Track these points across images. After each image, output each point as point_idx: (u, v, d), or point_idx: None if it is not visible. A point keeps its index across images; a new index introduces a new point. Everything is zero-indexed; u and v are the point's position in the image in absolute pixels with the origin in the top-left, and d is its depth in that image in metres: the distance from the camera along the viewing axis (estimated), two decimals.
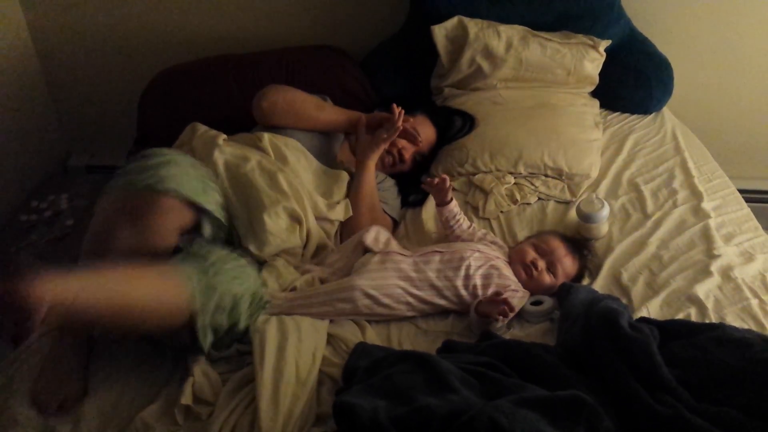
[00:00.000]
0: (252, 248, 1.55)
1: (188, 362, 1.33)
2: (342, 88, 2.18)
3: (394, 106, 1.80)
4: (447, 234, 1.70)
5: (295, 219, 1.61)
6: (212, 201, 1.49)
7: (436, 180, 1.69)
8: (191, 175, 1.48)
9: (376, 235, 1.59)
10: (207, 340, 1.31)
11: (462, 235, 1.67)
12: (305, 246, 1.65)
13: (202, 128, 1.76)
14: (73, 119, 2.77)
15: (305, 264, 1.60)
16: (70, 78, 2.68)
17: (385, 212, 1.82)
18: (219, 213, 1.51)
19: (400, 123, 1.77)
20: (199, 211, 1.47)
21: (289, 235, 1.58)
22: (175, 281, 1.28)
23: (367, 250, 1.56)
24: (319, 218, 1.69)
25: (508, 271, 1.52)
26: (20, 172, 2.53)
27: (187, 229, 1.46)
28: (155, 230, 1.38)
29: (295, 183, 1.65)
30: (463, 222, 1.69)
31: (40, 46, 2.61)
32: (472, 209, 1.86)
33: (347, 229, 1.73)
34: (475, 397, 1.13)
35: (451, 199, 1.70)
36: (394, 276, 1.46)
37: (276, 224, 1.56)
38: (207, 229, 1.49)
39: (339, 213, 1.71)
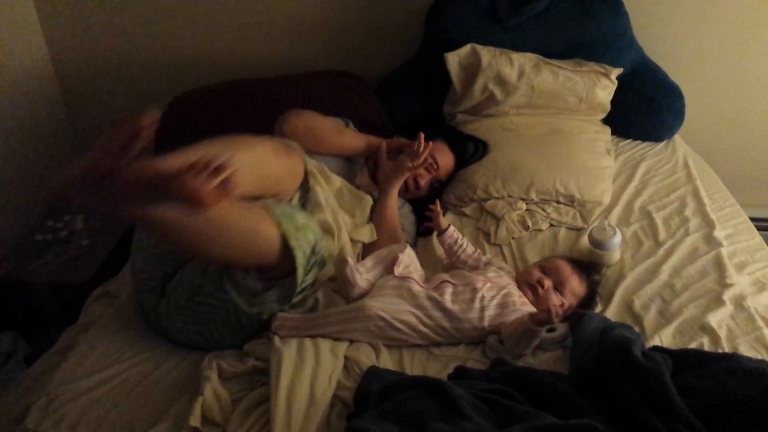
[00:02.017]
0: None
1: (199, 380, 1.34)
2: (357, 113, 2.21)
3: (421, 136, 1.81)
4: (453, 261, 1.71)
5: (328, 231, 1.63)
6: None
7: (432, 211, 1.74)
8: None
9: (408, 261, 1.59)
10: (302, 262, 1.36)
11: (468, 261, 1.69)
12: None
13: None
14: (90, 141, 2.78)
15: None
16: (89, 100, 2.72)
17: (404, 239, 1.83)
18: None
19: (425, 155, 1.79)
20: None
21: (323, 241, 1.60)
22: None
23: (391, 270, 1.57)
24: None
25: (521, 297, 1.52)
26: (37, 192, 2.56)
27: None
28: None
29: (330, 199, 1.69)
30: (467, 247, 1.71)
31: (60, 69, 2.65)
32: (484, 235, 1.87)
33: (367, 253, 1.74)
34: (487, 425, 1.13)
35: (449, 226, 1.72)
36: (407, 304, 1.47)
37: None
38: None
39: (365, 235, 1.73)
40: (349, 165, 1.94)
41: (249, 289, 1.42)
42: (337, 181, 1.81)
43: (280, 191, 1.53)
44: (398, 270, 1.55)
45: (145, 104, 2.55)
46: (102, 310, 1.65)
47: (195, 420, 1.23)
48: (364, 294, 1.52)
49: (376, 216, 1.79)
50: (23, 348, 2.11)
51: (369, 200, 1.81)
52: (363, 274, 1.54)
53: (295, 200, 1.60)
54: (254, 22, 2.49)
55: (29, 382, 1.44)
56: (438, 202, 1.78)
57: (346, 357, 1.41)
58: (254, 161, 1.41)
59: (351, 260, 1.54)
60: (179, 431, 1.23)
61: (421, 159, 1.79)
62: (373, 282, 1.54)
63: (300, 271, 1.37)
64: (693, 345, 1.44)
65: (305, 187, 1.63)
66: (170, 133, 2.24)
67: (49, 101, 2.65)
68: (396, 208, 1.82)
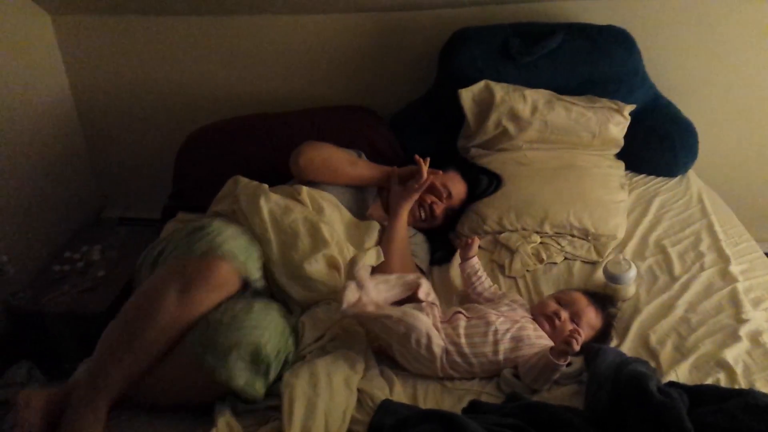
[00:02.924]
0: (293, 293, 1.60)
1: (213, 413, 1.35)
2: (371, 147, 2.24)
3: (417, 157, 1.85)
4: (469, 292, 1.72)
5: (334, 266, 1.65)
6: (255, 269, 1.58)
7: (469, 240, 1.75)
8: (240, 244, 1.56)
9: (428, 290, 1.60)
10: (255, 390, 1.37)
11: (484, 293, 1.69)
12: None
13: (244, 180, 1.85)
14: (108, 172, 2.85)
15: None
16: (107, 133, 2.77)
17: (416, 265, 1.84)
18: (260, 283, 1.58)
19: (425, 172, 1.82)
20: (245, 282, 1.54)
21: (328, 280, 1.63)
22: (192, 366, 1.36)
23: (414, 299, 1.56)
24: None
25: (536, 331, 1.52)
26: (55, 223, 2.60)
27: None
28: (200, 304, 1.43)
29: (335, 233, 1.72)
30: (485, 279, 1.71)
31: (80, 101, 2.71)
32: (498, 267, 1.88)
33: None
34: None
35: (473, 255, 1.73)
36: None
37: (315, 269, 1.62)
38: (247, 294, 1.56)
39: (371, 258, 1.73)
40: (361, 196, 1.97)
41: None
42: (346, 214, 1.84)
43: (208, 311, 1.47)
44: (422, 296, 1.55)
45: (162, 138, 2.63)
46: None
47: None
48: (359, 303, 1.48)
49: (385, 238, 1.80)
50: (38, 378, 2.12)
51: (376, 225, 1.83)
52: (377, 283, 1.51)
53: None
54: (271, 58, 2.54)
55: None
56: (476, 238, 1.79)
57: (359, 390, 1.40)
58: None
59: (361, 275, 1.49)
60: None
61: (423, 178, 1.81)
62: (386, 298, 1.52)
63: (248, 390, 1.37)
64: (709, 381, 1.43)
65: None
66: (187, 166, 2.29)
67: (69, 135, 2.71)
68: (405, 231, 1.83)
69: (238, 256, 1.52)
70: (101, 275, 2.33)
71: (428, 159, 1.86)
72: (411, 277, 1.59)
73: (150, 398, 1.40)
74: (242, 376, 1.34)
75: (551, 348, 1.41)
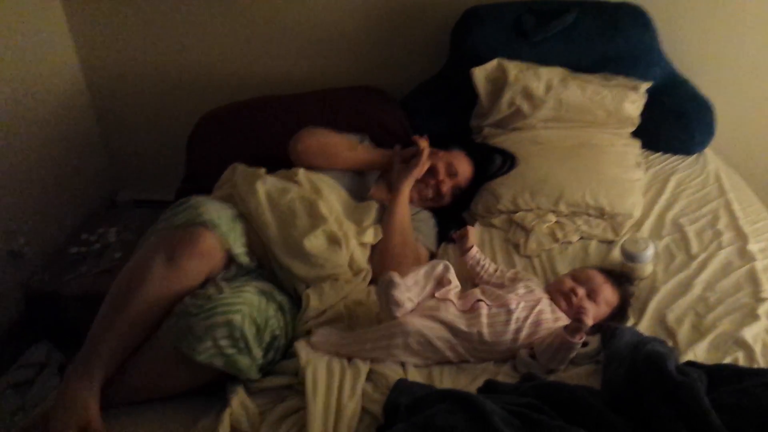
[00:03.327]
0: (296, 270, 1.60)
1: (227, 392, 1.36)
2: (382, 128, 2.23)
3: (415, 137, 1.90)
4: (476, 281, 1.70)
5: (335, 241, 1.65)
6: (239, 243, 1.59)
7: (461, 232, 1.73)
8: (222, 216, 1.58)
9: (454, 283, 1.57)
10: (245, 371, 1.37)
11: (490, 280, 1.68)
12: (352, 270, 1.69)
13: (242, 166, 1.87)
14: (122, 155, 2.86)
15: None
16: (120, 116, 2.78)
17: (420, 242, 1.84)
18: (244, 259, 1.59)
19: (422, 144, 1.87)
20: (229, 256, 1.55)
21: (331, 254, 1.62)
22: (169, 359, 1.38)
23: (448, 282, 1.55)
24: None
25: (554, 313, 1.51)
26: (71, 206, 2.62)
27: (213, 275, 1.53)
28: (187, 273, 1.46)
29: (334, 210, 1.73)
30: (488, 266, 1.70)
31: (92, 84, 2.72)
32: (513, 247, 1.87)
33: (379, 253, 1.75)
34: None
35: (471, 246, 1.71)
36: (444, 327, 1.46)
37: (315, 245, 1.62)
38: (232, 270, 1.57)
39: (369, 236, 1.74)
40: (361, 180, 1.97)
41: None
42: (344, 195, 1.85)
43: (197, 284, 1.50)
44: (440, 293, 1.53)
45: (175, 121, 2.63)
46: None
47: (224, 429, 1.24)
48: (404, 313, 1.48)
49: (385, 217, 1.80)
50: (57, 358, 2.14)
51: (374, 204, 1.84)
52: (405, 293, 1.48)
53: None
54: (283, 39, 2.52)
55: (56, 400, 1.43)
56: (470, 228, 1.77)
57: (373, 370, 1.41)
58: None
59: (398, 279, 1.47)
60: None
61: (423, 152, 1.84)
62: (414, 300, 1.50)
63: (232, 369, 1.37)
64: (727, 360, 1.42)
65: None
66: (199, 149, 2.29)
67: (82, 117, 2.72)
68: (406, 209, 1.83)
69: (219, 226, 1.54)
70: (118, 257, 2.34)
71: (426, 136, 1.89)
72: (438, 269, 1.55)
73: (138, 396, 1.40)
74: (222, 357, 1.34)
75: (564, 326, 1.41)
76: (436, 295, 1.53)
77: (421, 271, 1.54)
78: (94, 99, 2.75)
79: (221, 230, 1.54)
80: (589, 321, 1.37)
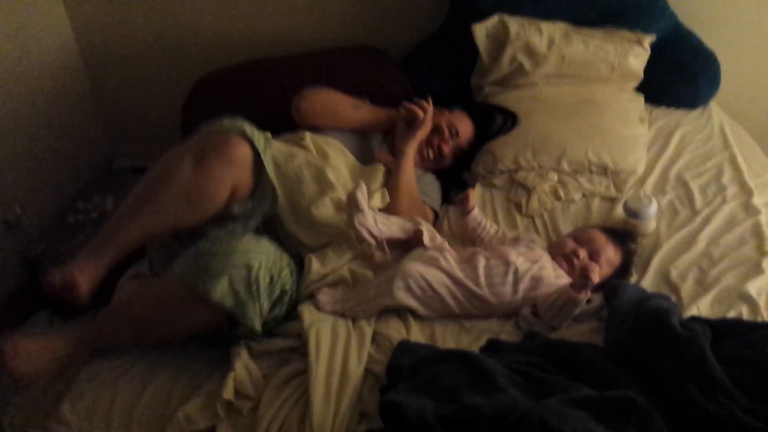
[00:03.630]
0: (303, 238, 1.59)
1: (230, 357, 1.36)
2: (382, 89, 2.19)
3: (415, 100, 1.87)
4: (476, 243, 1.69)
5: (342, 208, 1.63)
6: (270, 165, 1.57)
7: (462, 195, 1.72)
8: (259, 134, 1.58)
9: (428, 231, 1.58)
10: (251, 318, 1.36)
11: (492, 241, 1.66)
12: None
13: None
14: (117, 121, 2.83)
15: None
16: (115, 81, 2.73)
17: (426, 204, 1.82)
18: (273, 177, 1.56)
19: (425, 105, 1.83)
20: (256, 182, 1.54)
21: (338, 222, 1.61)
22: (178, 294, 1.37)
23: (419, 235, 1.55)
24: None
25: (555, 270, 1.50)
26: (67, 174, 2.59)
27: (239, 197, 1.53)
28: (214, 178, 1.46)
29: (341, 176, 1.71)
30: (489, 228, 1.69)
31: (85, 49, 2.66)
32: (515, 207, 1.85)
33: None
34: (522, 397, 1.12)
35: (473, 208, 1.70)
36: (443, 274, 1.45)
37: (322, 213, 1.60)
38: (258, 198, 1.56)
39: (377, 200, 1.72)
40: (366, 142, 1.94)
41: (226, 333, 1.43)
42: (351, 159, 1.82)
43: (223, 200, 1.50)
44: (427, 241, 1.53)
45: (170, 85, 2.59)
46: None
47: (228, 393, 1.24)
48: (372, 235, 1.50)
49: (392, 180, 1.78)
50: (58, 326, 2.15)
51: (381, 168, 1.81)
52: (380, 219, 1.52)
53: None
54: None
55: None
56: (471, 191, 1.75)
57: (376, 332, 1.40)
58: (150, 221, 1.45)
59: (362, 192, 1.51)
60: (213, 405, 1.24)
61: (421, 115, 1.82)
62: (380, 228, 1.52)
63: (239, 313, 1.35)
64: (731, 314, 1.41)
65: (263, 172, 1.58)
66: (195, 114, 2.25)
67: (75, 84, 2.67)
68: (412, 171, 1.81)
69: (255, 137, 1.53)
70: None
71: (429, 97, 1.85)
72: (410, 224, 1.57)
73: (135, 336, 1.41)
74: (233, 298, 1.34)
75: (570, 283, 1.39)
76: (427, 244, 1.53)
77: (395, 218, 1.58)
78: (88, 65, 2.70)
79: (257, 142, 1.52)
80: (596, 278, 1.37)
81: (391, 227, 1.54)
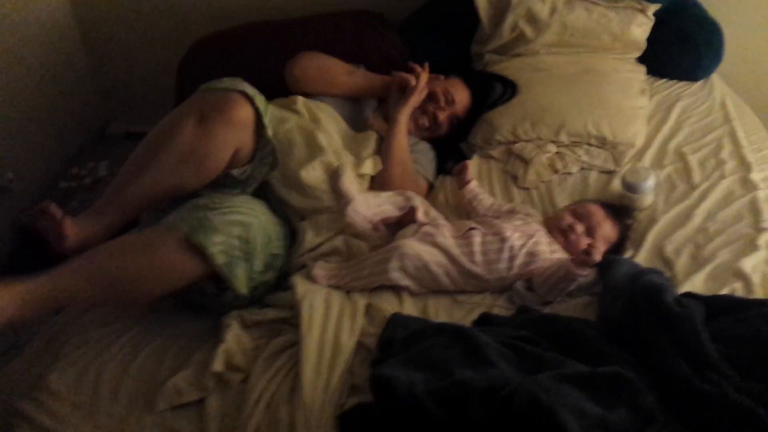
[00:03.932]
0: (293, 201, 1.58)
1: (221, 328, 1.35)
2: (380, 55, 2.16)
3: (410, 64, 1.87)
4: (471, 215, 1.67)
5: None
6: (270, 123, 1.54)
7: (460, 166, 1.71)
8: (260, 96, 1.55)
9: (422, 204, 1.56)
10: (239, 279, 1.34)
11: (487, 213, 1.65)
12: None
13: None
14: (112, 86, 2.80)
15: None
16: (109, 45, 2.69)
17: (419, 174, 1.81)
18: (269, 137, 1.53)
19: (419, 71, 1.83)
20: (256, 145, 1.51)
21: (327, 187, 1.59)
22: (170, 241, 1.31)
23: (412, 212, 1.53)
24: None
25: (551, 245, 1.49)
26: (60, 140, 2.57)
27: (240, 160, 1.50)
28: (215, 138, 1.44)
29: (332, 141, 1.69)
30: (485, 200, 1.67)
31: (79, 11, 2.62)
32: (512, 178, 1.83)
33: (379, 185, 1.71)
34: (513, 371, 1.12)
35: (471, 180, 1.69)
36: (438, 251, 1.44)
37: (312, 177, 1.59)
38: (257, 162, 1.53)
39: (368, 167, 1.70)
40: (359, 109, 1.91)
41: (211, 297, 1.41)
42: (343, 125, 1.81)
43: (225, 163, 1.48)
44: (420, 216, 1.52)
45: (166, 49, 2.54)
46: None
47: (218, 365, 1.23)
48: (359, 218, 1.49)
49: (384, 148, 1.76)
50: None
51: (373, 134, 1.79)
52: (371, 201, 1.51)
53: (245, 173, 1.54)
54: None
55: (49, 337, 1.43)
56: (468, 162, 1.73)
57: (369, 304, 1.40)
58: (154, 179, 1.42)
59: (343, 170, 1.51)
60: (203, 377, 1.24)
61: (420, 79, 1.80)
62: (379, 216, 1.51)
63: (227, 271, 1.33)
64: (725, 290, 1.40)
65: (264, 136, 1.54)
66: (190, 78, 2.21)
67: (70, 48, 2.63)
68: (405, 138, 1.78)
69: (256, 98, 1.50)
70: None
71: (426, 64, 1.83)
72: (401, 198, 1.55)
73: (122, 288, 1.32)
74: (226, 255, 1.32)
75: (571, 258, 1.39)
76: (420, 219, 1.52)
77: (385, 194, 1.57)
78: (83, 28, 2.66)
79: (258, 103, 1.50)
80: (598, 258, 1.36)
81: (384, 206, 1.53)
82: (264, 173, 1.56)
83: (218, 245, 1.30)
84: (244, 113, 1.47)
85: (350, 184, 1.50)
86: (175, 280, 1.33)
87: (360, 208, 1.48)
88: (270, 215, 1.45)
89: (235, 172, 1.51)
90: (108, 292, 1.31)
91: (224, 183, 1.52)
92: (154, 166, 1.41)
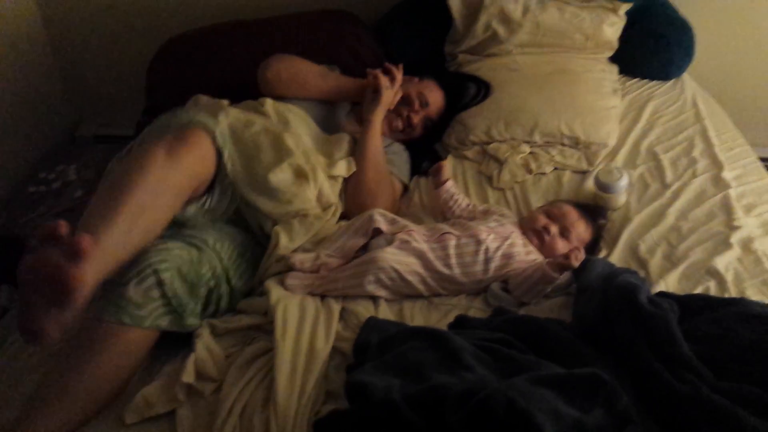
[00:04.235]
0: (262, 206, 1.52)
1: (192, 337, 1.31)
2: (354, 55, 2.14)
3: (387, 65, 1.84)
4: (448, 216, 1.66)
5: (302, 175, 1.58)
6: (228, 153, 1.49)
7: (437, 166, 1.70)
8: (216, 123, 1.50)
9: (383, 218, 1.53)
10: (187, 325, 1.31)
11: (462, 214, 1.64)
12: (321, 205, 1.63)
13: (204, 98, 1.79)
14: (80, 88, 2.75)
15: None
16: (77, 46, 2.64)
17: (394, 176, 1.79)
18: (230, 168, 1.49)
19: (394, 72, 1.81)
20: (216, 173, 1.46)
21: (297, 189, 1.55)
22: (107, 336, 1.24)
23: (377, 232, 1.50)
24: None
25: (526, 246, 1.49)
26: (27, 143, 2.51)
27: (198, 191, 1.44)
28: (185, 167, 1.36)
29: (301, 143, 1.65)
30: (461, 201, 1.67)
31: (46, 12, 2.56)
32: (486, 179, 1.83)
33: (352, 187, 1.70)
34: (490, 375, 1.11)
35: (447, 180, 1.68)
36: (413, 257, 1.43)
37: (281, 179, 1.53)
38: (215, 195, 1.48)
39: (341, 169, 1.68)
40: (332, 112, 1.89)
41: None
42: (314, 128, 1.78)
43: (190, 190, 1.41)
44: (385, 227, 1.49)
45: (135, 50, 2.50)
46: None
47: (188, 376, 1.20)
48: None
49: (358, 150, 1.74)
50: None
51: (346, 136, 1.77)
52: (325, 253, 1.47)
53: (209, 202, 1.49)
54: None
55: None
56: (444, 162, 1.72)
57: (344, 308, 1.38)
58: (140, 207, 1.27)
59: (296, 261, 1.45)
60: (173, 388, 1.21)
61: (398, 79, 1.79)
62: (350, 247, 1.48)
63: (176, 327, 1.30)
64: (699, 289, 1.42)
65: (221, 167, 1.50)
66: (160, 79, 2.19)
67: (37, 49, 2.58)
68: (379, 140, 1.76)
69: (218, 134, 1.46)
70: (78, 195, 2.26)
71: (401, 66, 1.82)
72: (360, 222, 1.52)
73: (110, 392, 1.25)
74: (166, 317, 1.29)
75: (549, 261, 1.38)
76: (386, 231, 1.49)
77: (343, 227, 1.54)
78: (50, 30, 2.60)
79: (218, 138, 1.45)
80: (576, 264, 1.36)
81: (349, 241, 1.49)
82: (224, 207, 1.51)
83: (146, 319, 1.26)
84: (206, 144, 1.42)
85: (299, 259, 1.45)
86: (139, 357, 1.28)
87: (294, 279, 1.42)
88: (187, 254, 1.35)
89: (194, 206, 1.46)
90: (90, 407, 1.23)
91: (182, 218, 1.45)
92: (130, 202, 1.26)
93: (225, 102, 1.73)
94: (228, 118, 1.62)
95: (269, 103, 1.74)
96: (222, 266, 1.41)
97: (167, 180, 1.33)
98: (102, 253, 1.13)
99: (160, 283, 1.27)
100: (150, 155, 1.33)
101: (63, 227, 1.02)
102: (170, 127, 1.44)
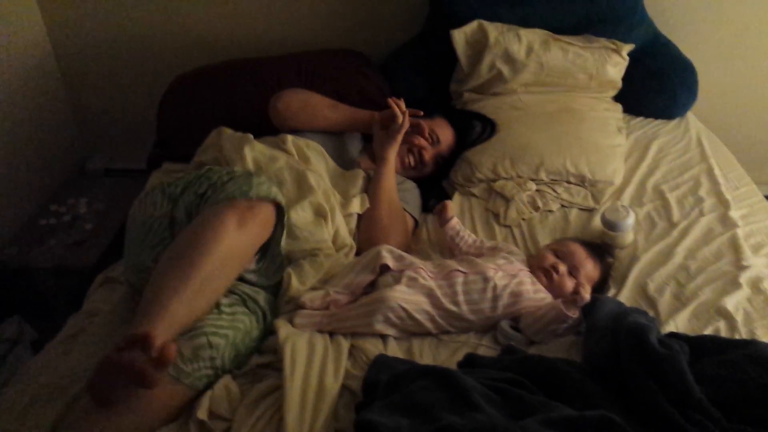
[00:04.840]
0: (281, 244, 1.53)
1: None
2: (361, 92, 2.17)
3: (390, 100, 1.79)
4: (455, 252, 1.67)
5: (321, 214, 1.61)
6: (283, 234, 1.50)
7: (442, 205, 1.71)
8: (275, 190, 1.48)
9: (391, 254, 1.52)
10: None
11: (470, 251, 1.65)
12: (336, 245, 1.64)
13: (228, 131, 1.82)
14: (91, 122, 2.77)
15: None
16: (89, 81, 2.68)
17: (406, 211, 1.80)
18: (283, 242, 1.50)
19: (399, 112, 1.76)
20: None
21: (315, 228, 1.58)
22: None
23: (385, 269, 1.50)
24: None
25: (534, 284, 1.49)
26: (39, 176, 2.54)
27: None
28: (252, 238, 1.37)
29: (322, 182, 1.68)
30: (467, 237, 1.67)
31: (59, 49, 2.61)
32: (493, 216, 1.84)
33: (366, 223, 1.71)
34: (499, 416, 1.10)
35: (452, 217, 1.69)
36: (422, 295, 1.43)
37: (301, 217, 1.57)
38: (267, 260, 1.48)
39: (355, 206, 1.70)
40: (344, 146, 1.92)
41: None
42: (331, 163, 1.81)
43: (252, 258, 1.44)
44: (392, 264, 1.49)
45: (145, 85, 2.54)
46: (106, 297, 1.62)
47: (202, 413, 1.20)
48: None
49: (372, 186, 1.75)
50: (29, 333, 2.09)
51: (360, 173, 1.79)
52: (339, 281, 1.48)
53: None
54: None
55: (35, 372, 1.39)
56: (449, 201, 1.74)
57: (353, 345, 1.38)
58: (206, 284, 1.28)
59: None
60: (186, 424, 1.20)
61: (400, 118, 1.75)
62: (357, 283, 1.48)
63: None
64: (709, 329, 1.41)
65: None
66: (171, 114, 2.21)
67: (49, 84, 2.61)
68: (393, 177, 1.78)
69: (280, 201, 1.45)
70: (89, 228, 2.28)
71: (402, 99, 1.80)
72: (368, 259, 1.52)
73: None
74: (205, 378, 1.28)
75: (563, 300, 1.39)
76: (393, 267, 1.49)
77: (351, 263, 1.54)
78: (61, 64, 2.64)
79: (283, 204, 1.45)
80: (587, 297, 1.36)
81: (357, 278, 1.49)
82: (273, 273, 1.51)
83: (190, 376, 1.25)
84: (271, 216, 1.42)
85: (309, 298, 1.46)
86: (174, 409, 1.27)
87: (302, 318, 1.43)
88: (248, 323, 1.38)
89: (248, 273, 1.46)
90: None
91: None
92: (202, 268, 1.27)
93: (250, 135, 1.76)
94: (253, 151, 1.66)
95: (290, 140, 1.77)
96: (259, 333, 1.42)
97: (236, 249, 1.33)
98: (170, 323, 1.19)
99: (212, 345, 1.28)
100: (221, 225, 1.31)
101: (154, 339, 1.08)
102: (239, 190, 1.40)
